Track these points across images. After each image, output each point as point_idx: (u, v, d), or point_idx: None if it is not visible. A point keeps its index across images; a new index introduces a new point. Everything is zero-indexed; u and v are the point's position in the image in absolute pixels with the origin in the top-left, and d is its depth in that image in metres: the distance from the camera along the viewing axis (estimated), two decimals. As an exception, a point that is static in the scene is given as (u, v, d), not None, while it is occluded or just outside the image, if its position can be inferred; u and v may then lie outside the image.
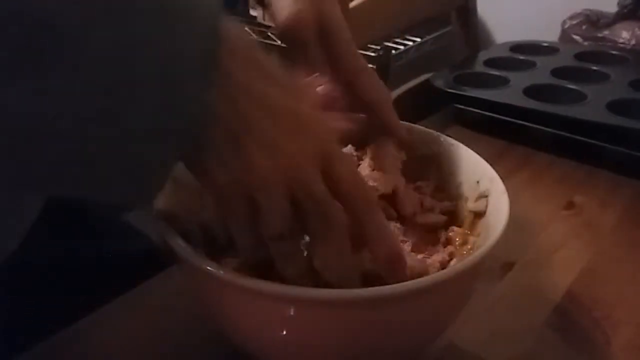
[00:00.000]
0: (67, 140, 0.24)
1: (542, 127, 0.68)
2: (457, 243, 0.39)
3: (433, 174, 0.45)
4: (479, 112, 0.73)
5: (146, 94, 0.24)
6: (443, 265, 0.37)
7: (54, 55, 0.22)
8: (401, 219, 0.40)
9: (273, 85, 0.28)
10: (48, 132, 0.23)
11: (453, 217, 0.42)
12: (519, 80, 0.77)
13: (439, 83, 0.77)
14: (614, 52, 0.90)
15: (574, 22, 1.23)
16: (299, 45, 0.37)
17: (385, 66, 1.32)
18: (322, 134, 0.30)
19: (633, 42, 1.10)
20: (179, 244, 0.32)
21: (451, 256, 0.38)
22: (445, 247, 0.39)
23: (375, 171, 0.39)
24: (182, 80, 0.25)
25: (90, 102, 0.23)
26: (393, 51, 1.36)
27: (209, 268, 0.31)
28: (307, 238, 0.31)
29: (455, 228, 0.40)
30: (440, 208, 0.42)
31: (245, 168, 0.27)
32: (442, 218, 0.41)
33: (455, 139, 0.44)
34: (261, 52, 0.29)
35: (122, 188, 0.26)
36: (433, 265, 0.36)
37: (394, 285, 0.30)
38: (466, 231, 0.40)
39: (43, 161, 0.24)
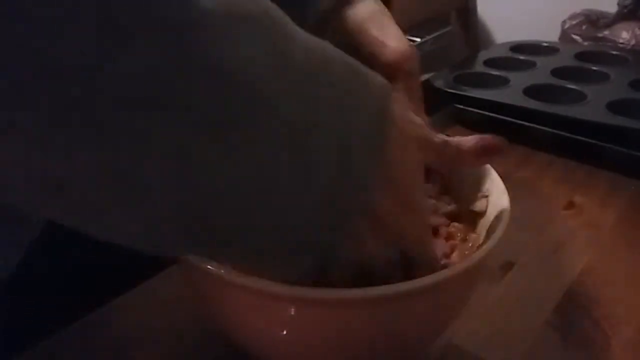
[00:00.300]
0: (240, 210, 0.23)
1: (542, 127, 0.68)
2: (458, 237, 0.39)
3: (434, 174, 0.45)
4: (479, 112, 0.73)
5: (321, 166, 0.24)
6: (446, 256, 0.37)
7: (246, 119, 0.22)
8: None
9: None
10: (229, 198, 0.23)
11: (454, 218, 0.42)
12: (519, 80, 0.77)
13: (439, 83, 0.77)
14: (614, 52, 0.90)
15: (574, 22, 1.23)
16: (403, 75, 0.40)
17: (385, 66, 1.32)
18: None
19: (633, 42, 1.10)
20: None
21: (452, 249, 0.38)
22: (447, 241, 0.39)
23: None
24: (352, 155, 0.25)
25: (271, 171, 0.23)
26: (393, 51, 1.36)
27: (209, 267, 0.31)
28: None
29: (456, 224, 0.40)
30: (444, 211, 0.42)
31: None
32: (444, 220, 0.41)
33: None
34: (414, 141, 0.30)
35: (279, 260, 0.27)
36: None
37: (394, 285, 0.30)
38: (467, 226, 0.40)
39: (210, 228, 0.23)
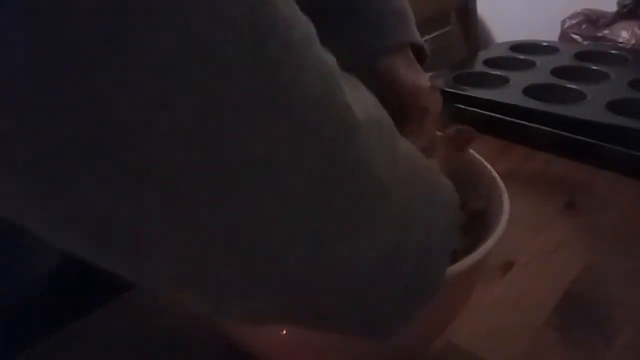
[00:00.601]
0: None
1: (542, 127, 0.68)
2: None
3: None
4: (479, 112, 0.73)
5: (409, 257, 0.26)
6: None
7: (378, 212, 0.23)
8: None
9: None
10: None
11: None
12: (519, 80, 0.77)
13: (439, 83, 0.77)
14: (613, 52, 0.90)
15: (574, 22, 1.23)
16: (420, 111, 0.42)
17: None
18: None
19: (633, 41, 1.10)
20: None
21: None
22: None
23: None
24: (432, 253, 0.28)
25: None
26: (393, 51, 1.36)
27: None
28: None
29: None
30: None
31: None
32: None
33: None
34: None
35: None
36: None
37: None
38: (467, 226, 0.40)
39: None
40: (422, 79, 0.44)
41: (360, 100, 0.23)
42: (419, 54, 0.46)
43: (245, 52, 0.17)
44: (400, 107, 0.41)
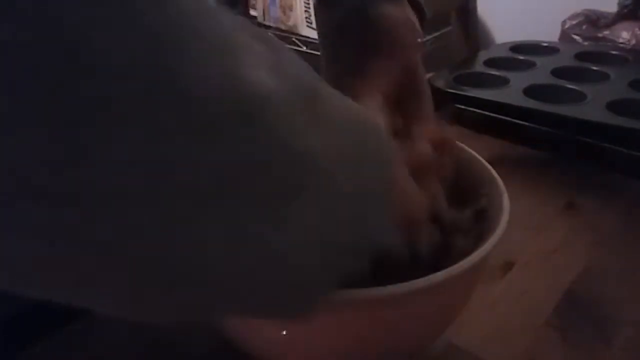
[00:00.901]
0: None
1: (542, 127, 0.68)
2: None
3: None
4: (479, 112, 0.73)
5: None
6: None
7: (306, 189, 0.23)
8: None
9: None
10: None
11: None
12: (519, 80, 0.77)
13: (439, 83, 0.77)
14: (614, 52, 0.90)
15: (574, 22, 1.23)
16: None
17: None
18: None
19: (633, 42, 1.10)
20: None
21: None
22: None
23: None
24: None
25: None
26: (393, 51, 1.35)
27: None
28: None
29: None
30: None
31: None
32: None
33: (455, 139, 0.44)
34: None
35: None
36: None
37: (394, 286, 0.30)
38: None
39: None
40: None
41: (281, 66, 0.22)
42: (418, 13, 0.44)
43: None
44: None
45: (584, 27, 1.19)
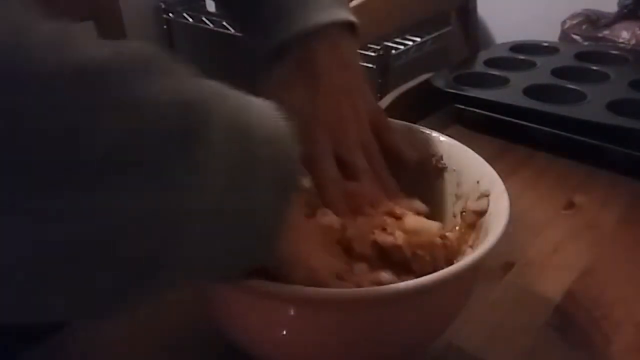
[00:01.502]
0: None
1: (542, 127, 0.68)
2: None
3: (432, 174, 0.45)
4: (479, 112, 0.73)
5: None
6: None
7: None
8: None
9: None
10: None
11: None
12: (519, 80, 0.77)
13: (439, 83, 0.77)
14: (613, 52, 0.90)
15: (574, 22, 1.23)
16: None
17: (385, 66, 1.32)
18: None
19: (633, 42, 1.10)
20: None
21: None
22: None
23: None
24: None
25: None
26: (393, 51, 1.36)
27: (209, 268, 0.31)
28: None
29: (449, 234, 0.40)
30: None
31: None
32: (438, 229, 0.40)
33: (455, 139, 0.44)
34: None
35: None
36: None
37: (394, 285, 0.30)
38: (468, 226, 0.40)
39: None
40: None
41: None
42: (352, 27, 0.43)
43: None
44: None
45: (584, 27, 1.19)
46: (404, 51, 1.38)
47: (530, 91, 0.73)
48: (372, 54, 1.29)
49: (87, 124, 0.21)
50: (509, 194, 0.37)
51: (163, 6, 1.72)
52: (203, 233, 0.25)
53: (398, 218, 0.38)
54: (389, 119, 0.44)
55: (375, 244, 0.36)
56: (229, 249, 0.27)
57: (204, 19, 1.64)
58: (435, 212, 0.42)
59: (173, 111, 0.23)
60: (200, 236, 0.25)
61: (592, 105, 0.69)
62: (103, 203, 0.22)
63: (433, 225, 0.38)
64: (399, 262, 0.36)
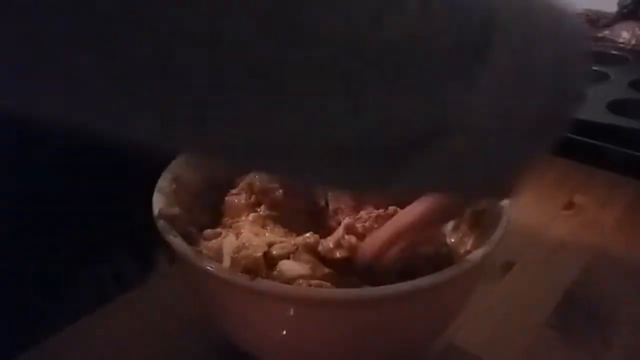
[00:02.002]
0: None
1: (542, 127, 0.68)
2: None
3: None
4: (479, 112, 0.72)
5: None
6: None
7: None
8: None
9: None
10: None
11: None
12: (519, 80, 0.77)
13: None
14: (613, 52, 0.90)
15: (574, 22, 1.22)
16: None
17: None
18: None
19: (633, 42, 1.10)
20: (179, 244, 0.32)
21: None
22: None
23: None
24: None
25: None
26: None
27: (209, 268, 0.31)
28: None
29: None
30: None
31: None
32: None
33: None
34: None
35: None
36: None
37: (394, 285, 0.30)
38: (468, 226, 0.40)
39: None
40: None
41: None
42: None
43: None
44: None
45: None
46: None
47: (530, 91, 0.73)
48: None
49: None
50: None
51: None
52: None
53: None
54: None
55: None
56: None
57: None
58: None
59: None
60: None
61: (592, 105, 0.69)
62: None
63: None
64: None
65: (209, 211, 0.40)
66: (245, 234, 0.35)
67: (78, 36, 0.17)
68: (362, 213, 0.38)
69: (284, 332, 0.32)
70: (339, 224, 0.36)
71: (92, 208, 0.49)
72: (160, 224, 0.33)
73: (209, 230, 0.37)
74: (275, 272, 0.33)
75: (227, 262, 0.34)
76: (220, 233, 0.37)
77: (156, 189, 0.37)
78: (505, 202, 0.36)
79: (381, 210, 0.37)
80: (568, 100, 0.26)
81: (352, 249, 0.34)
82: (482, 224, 0.39)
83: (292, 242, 0.35)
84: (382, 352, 0.34)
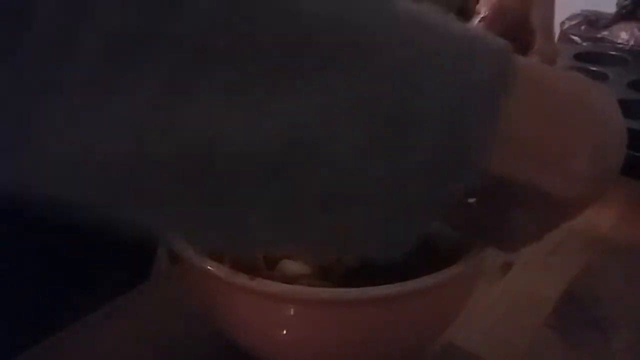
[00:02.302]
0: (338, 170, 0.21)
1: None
2: None
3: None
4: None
5: (428, 120, 0.21)
6: None
7: (346, 60, 0.20)
8: None
9: None
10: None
11: None
12: (519, 80, 0.77)
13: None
14: (612, 53, 0.90)
15: (573, 22, 1.23)
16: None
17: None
18: None
19: (632, 42, 1.10)
20: (180, 244, 0.32)
21: None
22: None
23: None
24: (467, 111, 0.22)
25: (370, 122, 0.21)
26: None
27: (209, 268, 0.31)
28: None
29: None
30: None
31: None
32: None
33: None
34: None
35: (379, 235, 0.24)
36: None
37: (394, 285, 0.30)
38: None
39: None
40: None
41: None
42: None
43: None
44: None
45: (582, 27, 1.19)
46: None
47: (530, 91, 0.73)
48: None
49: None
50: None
51: None
52: None
53: None
54: None
55: None
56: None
57: None
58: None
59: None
60: None
61: (592, 106, 0.69)
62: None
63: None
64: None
65: None
66: None
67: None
68: None
69: (284, 332, 0.32)
70: None
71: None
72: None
73: None
74: (275, 272, 0.33)
75: (227, 262, 0.34)
76: None
77: None
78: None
79: None
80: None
81: None
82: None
83: None
84: (382, 351, 0.34)
